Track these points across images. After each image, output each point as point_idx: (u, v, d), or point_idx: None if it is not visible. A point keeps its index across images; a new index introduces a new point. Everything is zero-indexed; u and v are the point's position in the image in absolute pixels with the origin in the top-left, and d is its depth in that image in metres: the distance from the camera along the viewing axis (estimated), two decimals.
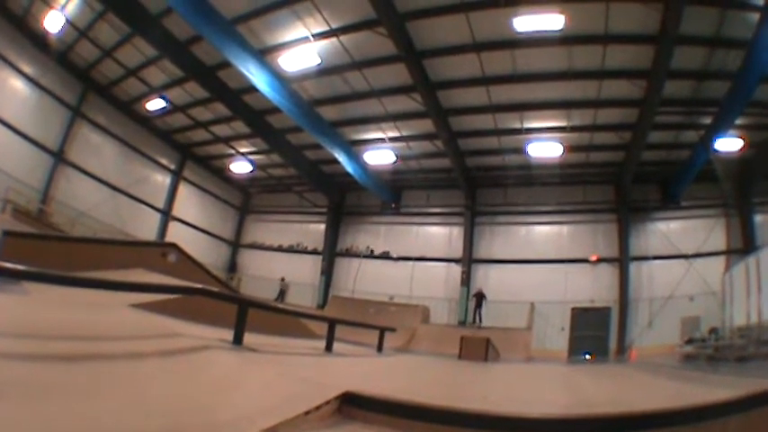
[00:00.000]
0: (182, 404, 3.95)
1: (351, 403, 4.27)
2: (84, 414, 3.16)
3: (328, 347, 9.26)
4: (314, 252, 32.54)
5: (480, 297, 24.49)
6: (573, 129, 21.65)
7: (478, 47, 18.40)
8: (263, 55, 22.45)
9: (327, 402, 4.07)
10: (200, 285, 11.53)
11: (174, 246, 14.70)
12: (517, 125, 22.40)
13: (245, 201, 38.45)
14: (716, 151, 19.70)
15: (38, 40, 26.25)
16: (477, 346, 18.07)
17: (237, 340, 6.69)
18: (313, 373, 6.52)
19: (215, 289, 8.59)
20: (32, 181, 26.39)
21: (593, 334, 23.30)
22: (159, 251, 14.13)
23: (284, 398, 4.15)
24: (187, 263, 13.83)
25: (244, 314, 6.91)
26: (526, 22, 16.54)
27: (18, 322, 5.36)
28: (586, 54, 17.62)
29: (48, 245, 10.43)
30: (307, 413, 3.76)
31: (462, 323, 24.66)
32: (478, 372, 11.92)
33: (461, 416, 4.25)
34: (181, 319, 7.50)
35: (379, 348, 12.51)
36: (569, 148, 22.91)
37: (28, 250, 9.50)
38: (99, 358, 4.48)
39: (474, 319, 24.38)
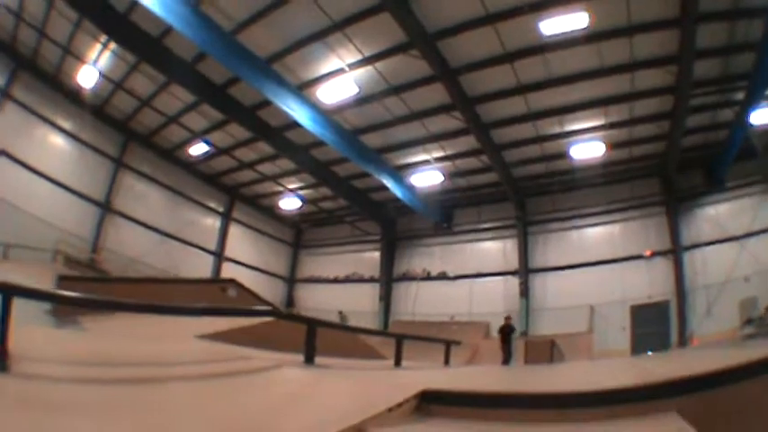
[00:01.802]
0: (267, 412, 4.53)
1: (429, 400, 4.70)
2: (167, 425, 3.72)
3: (397, 363, 9.71)
4: (371, 280, 32.89)
5: (508, 331, 22.25)
6: (612, 125, 21.80)
7: (510, 56, 18.81)
8: (302, 90, 23.10)
9: (407, 400, 4.49)
10: (268, 308, 12.15)
11: (233, 281, 15.38)
12: (557, 130, 22.66)
13: (297, 236, 39.06)
14: (752, 126, 19.64)
15: (73, 96, 27.44)
16: (542, 350, 19.18)
17: (309, 359, 7.08)
18: (388, 381, 6.94)
19: (284, 311, 9.22)
20: (82, 232, 27.51)
21: (654, 330, 23.14)
22: (218, 287, 14.85)
23: (366, 400, 4.54)
24: (247, 296, 14.48)
25: (313, 334, 7.27)
26: (552, 25, 16.92)
27: (91, 353, 6.20)
28: (615, 48, 17.86)
29: (103, 287, 10.84)
30: (390, 410, 4.16)
31: (524, 333, 24.59)
32: (546, 369, 12.79)
33: (534, 397, 4.85)
34: (248, 347, 7.72)
35: (446, 362, 12.79)
36: (611, 146, 23.07)
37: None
38: (175, 380, 5.20)
39: (505, 357, 21.40)
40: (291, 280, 37.69)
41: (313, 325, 7.41)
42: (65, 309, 9.85)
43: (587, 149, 23.40)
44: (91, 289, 10.20)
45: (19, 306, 4.96)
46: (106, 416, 3.65)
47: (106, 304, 9.81)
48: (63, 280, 11.30)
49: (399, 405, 4.34)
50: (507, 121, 22.47)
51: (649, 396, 4.17)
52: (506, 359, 21.35)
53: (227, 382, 5.46)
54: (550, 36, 17.29)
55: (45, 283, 7.39)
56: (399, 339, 10.44)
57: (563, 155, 24.29)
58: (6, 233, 21.71)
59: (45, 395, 3.99)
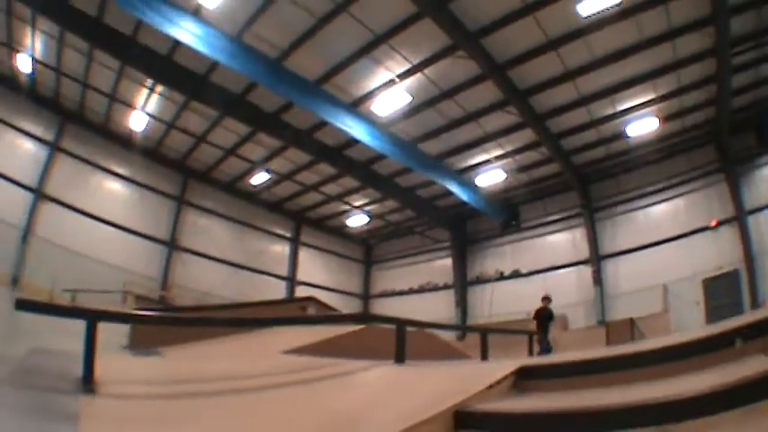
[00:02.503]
0: (365, 404, 5.15)
1: (526, 377, 5.29)
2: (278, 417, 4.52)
3: (484, 357, 10.43)
4: (445, 287, 33.62)
5: (545, 315, 20.30)
6: (662, 98, 21.85)
7: (553, 44, 19.28)
8: (356, 106, 24.14)
9: (506, 377, 5.08)
10: (360, 313, 13.13)
11: (311, 299, 16.03)
12: (610, 110, 22.89)
13: (368, 252, 39.98)
14: None
15: (124, 142, 29.05)
16: (622, 330, 20.01)
17: (400, 359, 7.51)
18: (481, 369, 7.18)
19: (375, 314, 10.11)
20: (150, 271, 29.06)
21: (727, 301, 22.91)
22: (298, 306, 15.53)
23: (463, 384, 4.88)
24: (326, 312, 14.85)
25: (402, 334, 7.78)
26: (589, 5, 17.24)
27: (175, 374, 6.80)
28: (651, 19, 18.01)
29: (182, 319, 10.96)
30: (490, 387, 4.73)
31: (601, 322, 24.88)
32: (631, 343, 13.73)
33: (625, 357, 5.37)
34: (334, 358, 7.84)
35: (530, 353, 13.53)
36: (664, 119, 23.15)
37: (158, 327, 10.59)
38: (267, 388, 5.67)
39: (543, 346, 18.81)
40: (366, 296, 38.62)
41: (401, 325, 7.89)
42: (142, 340, 10.67)
43: (642, 126, 23.51)
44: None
45: (105, 338, 5.44)
46: (199, 424, 4.20)
47: (198, 322, 11.01)
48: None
49: (498, 382, 4.89)
50: (560, 109, 22.81)
51: (733, 341, 4.51)
52: (544, 349, 18.53)
53: (320, 385, 6.00)
54: (588, 17, 17.62)
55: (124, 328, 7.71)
56: (484, 333, 11.20)
57: (619, 135, 24.50)
58: (73, 281, 22.76)
59: (138, 412, 4.49)
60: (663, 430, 3.23)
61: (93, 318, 5.51)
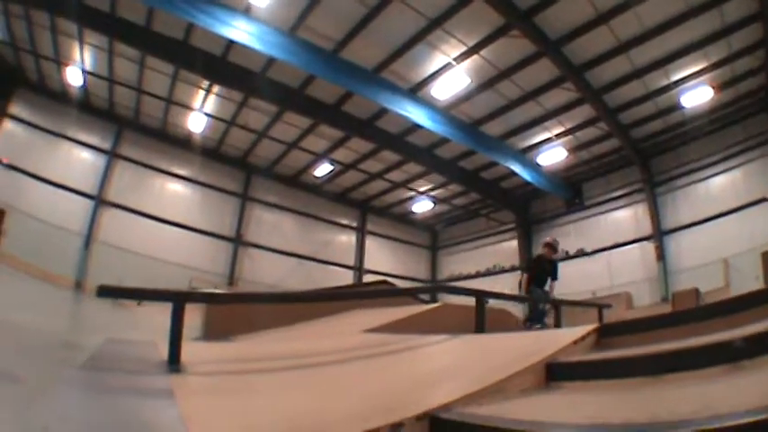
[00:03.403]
0: (459, 362, 5.60)
1: (606, 334, 5.81)
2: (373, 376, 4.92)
3: (557, 324, 11.58)
4: (511, 269, 34.27)
5: (542, 269, 15.58)
6: (714, 66, 22.01)
7: (604, 17, 19.71)
8: (415, 92, 25.25)
9: (588, 333, 5.56)
10: (440, 285, 14.42)
11: (385, 282, 17.25)
12: (665, 81, 23.15)
13: (434, 238, 41.52)
14: None
15: (184, 143, 30.67)
16: (688, 299, 20.71)
17: (480, 330, 8.06)
18: (561, 332, 7.43)
19: (452, 285, 11.27)
20: (217, 268, 30.97)
21: None
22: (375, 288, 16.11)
23: (548, 343, 5.21)
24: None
25: (482, 306, 8.40)
26: None
27: (256, 354, 7.12)
28: None
29: (249, 308, 11.24)
30: (575, 342, 5.20)
31: (665, 299, 25.16)
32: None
33: (702, 309, 6.16)
34: (416, 334, 7.79)
35: (600, 321, 13.62)
36: (718, 88, 23.23)
37: (231, 316, 11.26)
38: (349, 360, 6.01)
39: (534, 312, 14.80)
40: (433, 281, 39.54)
41: (480, 296, 8.55)
42: (215, 330, 11.07)
43: (696, 96, 23.65)
44: (236, 312, 11.18)
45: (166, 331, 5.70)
46: (283, 392, 4.44)
47: (291, 299, 11.46)
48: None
49: (582, 338, 5.36)
50: (617, 82, 23.30)
51: None
52: (534, 317, 14.49)
53: (405, 354, 6.37)
54: None
55: (193, 315, 7.60)
56: (557, 305, 12.67)
57: (675, 107, 24.77)
58: (139, 281, 23.45)
59: (227, 386, 4.79)
60: (737, 366, 3.57)
61: (179, 300, 5.97)
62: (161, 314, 13.36)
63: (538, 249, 32.35)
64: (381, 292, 13.15)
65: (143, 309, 18.69)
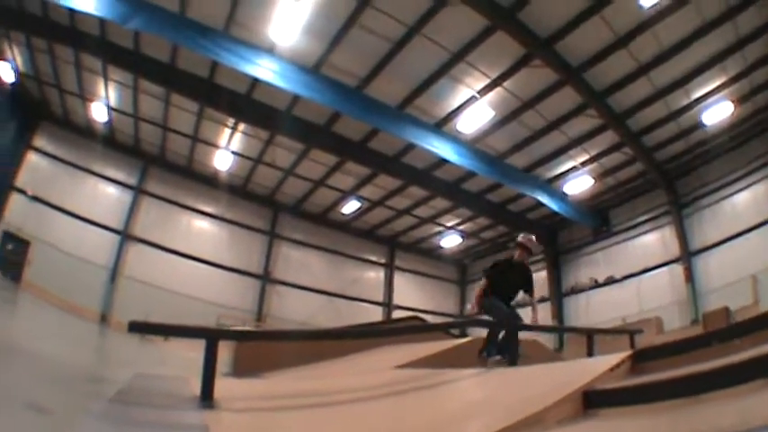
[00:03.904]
0: (493, 395, 5.84)
1: (640, 360, 6.20)
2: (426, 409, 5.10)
3: (590, 354, 11.89)
4: (541, 301, 32.24)
5: (509, 274, 12.20)
6: (732, 80, 22.21)
7: (623, 40, 20.30)
8: (440, 126, 25.97)
9: (623, 361, 5.93)
10: (472, 318, 14.66)
11: (416, 318, 17.86)
12: (685, 101, 23.46)
13: (462, 272, 41.68)
14: None
15: (210, 181, 31.60)
16: (718, 318, 20.77)
17: (513, 363, 8.41)
18: (595, 361, 7.69)
19: (484, 318, 11.63)
20: (244, 304, 31.81)
21: None
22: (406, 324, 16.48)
23: (583, 372, 5.44)
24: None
25: (515, 336, 8.81)
26: None
27: (285, 391, 7.35)
28: (709, 1, 18.70)
29: (278, 345, 11.52)
30: (611, 370, 5.55)
31: (695, 321, 25.13)
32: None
33: (730, 329, 6.49)
34: (447, 369, 8.14)
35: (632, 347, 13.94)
36: (737, 102, 23.43)
37: (261, 353, 11.56)
38: (377, 398, 6.27)
39: (492, 338, 11.27)
40: (463, 317, 38.72)
41: (512, 328, 8.99)
42: (244, 366, 11.45)
43: (717, 112, 23.92)
44: (264, 348, 11.52)
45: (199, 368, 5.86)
46: (316, 430, 4.74)
47: (318, 335, 12.06)
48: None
49: (618, 365, 5.63)
50: (639, 105, 23.69)
51: None
52: (487, 345, 11.05)
53: (438, 389, 6.57)
54: (650, 7, 18.60)
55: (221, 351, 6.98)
56: (590, 334, 13.12)
57: (697, 125, 25.03)
58: (166, 316, 24.23)
59: (262, 423, 5.05)
60: None
61: (213, 337, 6.24)
62: (187, 349, 14.21)
63: (570, 280, 33.86)
64: (413, 328, 13.44)
65: (169, 344, 19.54)
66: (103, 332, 23.98)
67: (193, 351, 12.66)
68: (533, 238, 13.34)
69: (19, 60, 28.52)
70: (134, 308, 24.61)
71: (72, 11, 21.67)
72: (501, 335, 11.33)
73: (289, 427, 4.93)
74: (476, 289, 12.34)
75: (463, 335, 18.33)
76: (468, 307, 12.68)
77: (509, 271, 12.39)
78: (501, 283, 12.06)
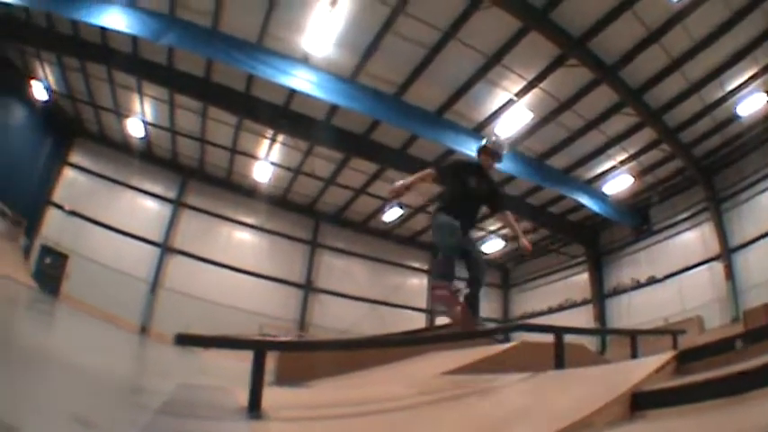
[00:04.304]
0: (541, 399, 5.86)
1: (685, 360, 6.32)
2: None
3: (634, 355, 11.85)
4: (583, 303, 35.52)
5: (470, 184, 9.30)
6: (765, 69, 22.36)
7: (655, 36, 20.72)
8: (479, 131, 26.07)
9: (668, 362, 5.99)
10: (519, 323, 15.02)
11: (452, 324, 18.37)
12: (720, 93, 23.72)
13: (505, 276, 42.37)
14: None
15: (250, 192, 33.01)
16: (760, 313, 21.22)
17: (560, 365, 8.26)
18: (639, 363, 7.58)
19: (531, 323, 12.02)
20: (287, 314, 33.06)
21: None
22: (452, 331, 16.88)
23: (629, 374, 5.45)
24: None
25: (561, 341, 8.59)
26: None
27: (332, 400, 7.28)
28: None
29: (322, 353, 11.60)
30: (657, 371, 5.61)
31: (735, 319, 25.40)
32: None
33: None
34: (493, 374, 7.90)
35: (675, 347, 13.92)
36: None
37: (305, 361, 11.68)
38: (444, 400, 6.32)
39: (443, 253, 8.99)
40: (506, 321, 40.69)
41: (559, 332, 8.82)
42: (287, 376, 11.39)
43: (752, 103, 24.04)
44: (305, 358, 11.62)
45: (245, 377, 5.83)
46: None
47: (363, 344, 11.93)
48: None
49: (663, 366, 5.71)
50: (674, 100, 24.04)
51: None
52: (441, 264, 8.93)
53: (484, 396, 6.50)
54: (679, 0, 18.97)
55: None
56: (633, 335, 13.03)
57: (732, 118, 25.22)
58: (207, 327, 22.83)
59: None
60: None
61: (261, 347, 6.23)
62: (228, 359, 14.96)
63: (612, 281, 34.50)
64: (460, 335, 11.74)
65: (208, 353, 19.93)
66: (143, 343, 24.42)
67: (234, 360, 13.57)
68: (500, 139, 10.19)
69: (51, 79, 29.96)
70: (174, 319, 26.68)
71: (103, 29, 22.87)
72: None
73: None
74: (416, 174, 9.14)
75: (506, 339, 17.45)
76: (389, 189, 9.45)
77: (471, 175, 9.33)
78: (457, 193, 9.14)
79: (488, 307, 41.20)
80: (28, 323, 12.10)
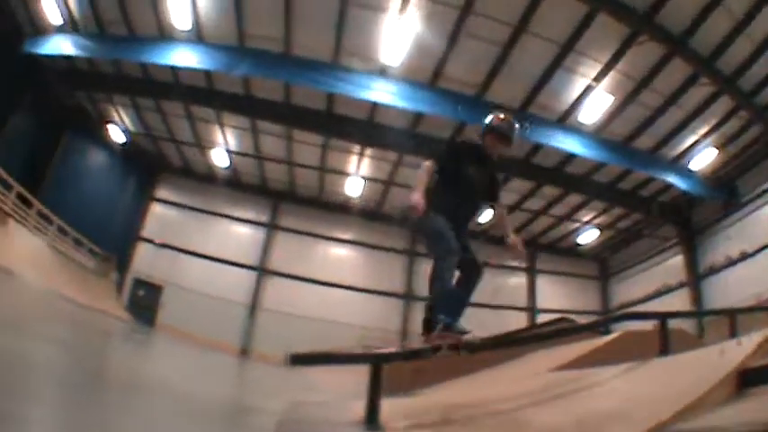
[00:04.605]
0: (650, 389, 5.85)
1: None
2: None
3: (733, 335, 11.55)
4: (680, 286, 35.58)
5: (471, 173, 7.97)
6: None
7: None
8: (563, 121, 27.23)
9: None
10: (624, 313, 16.36)
11: (563, 319, 18.51)
12: None
13: (602, 267, 42.73)
14: None
15: (343, 208, 35.58)
16: None
17: (665, 352, 8.31)
18: (742, 340, 7.00)
19: (635, 311, 11.95)
20: (388, 325, 34.20)
21: None
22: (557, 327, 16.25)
23: (734, 350, 5.63)
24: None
25: (665, 327, 8.76)
26: None
27: (449, 405, 7.21)
28: None
29: (427, 361, 10.78)
30: (759, 346, 5.64)
31: None
32: None
33: None
34: (601, 367, 7.91)
35: None
36: None
37: (410, 371, 11.97)
38: (559, 396, 6.32)
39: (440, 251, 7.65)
40: (606, 312, 41.14)
41: (664, 317, 9.01)
42: (395, 386, 10.59)
43: None
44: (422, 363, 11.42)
45: (354, 390, 6.01)
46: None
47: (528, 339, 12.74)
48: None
49: (765, 341, 5.66)
50: (745, 64, 24.16)
51: None
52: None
53: (595, 389, 6.52)
54: None
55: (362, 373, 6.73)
56: (732, 313, 13.41)
57: None
58: (308, 343, 22.25)
59: None
60: None
61: (377, 360, 6.32)
62: (333, 374, 15.93)
63: (706, 261, 34.67)
64: (565, 331, 12.89)
65: (313, 370, 19.60)
66: (246, 365, 24.93)
67: (336, 375, 14.71)
68: (510, 117, 8.42)
69: (127, 121, 32.27)
70: (274, 339, 28.62)
71: (174, 68, 24.25)
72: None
73: None
74: (419, 175, 7.69)
75: (607, 332, 17.35)
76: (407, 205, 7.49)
77: (471, 163, 7.95)
78: (457, 187, 7.84)
79: (585, 300, 42.08)
80: (128, 354, 12.57)
